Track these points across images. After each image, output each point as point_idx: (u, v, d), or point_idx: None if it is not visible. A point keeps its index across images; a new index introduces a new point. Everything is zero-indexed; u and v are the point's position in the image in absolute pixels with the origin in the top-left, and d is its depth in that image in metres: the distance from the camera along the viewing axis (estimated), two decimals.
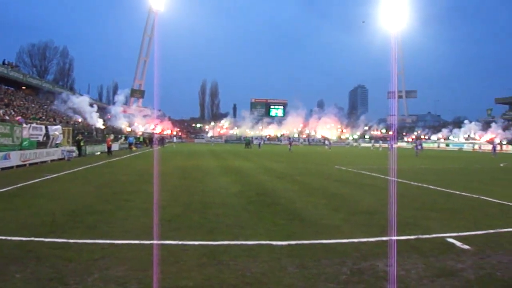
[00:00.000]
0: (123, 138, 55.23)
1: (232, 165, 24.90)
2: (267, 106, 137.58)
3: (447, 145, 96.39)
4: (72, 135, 35.08)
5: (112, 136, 44.05)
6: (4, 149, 20.90)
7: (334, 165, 27.14)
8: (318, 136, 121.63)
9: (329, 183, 16.03)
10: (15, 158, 21.25)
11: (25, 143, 24.47)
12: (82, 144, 33.08)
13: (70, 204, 10.23)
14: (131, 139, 49.69)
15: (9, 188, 13.05)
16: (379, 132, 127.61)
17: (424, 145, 74.65)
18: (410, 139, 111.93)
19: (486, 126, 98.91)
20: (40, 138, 28.56)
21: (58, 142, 29.97)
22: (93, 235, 6.96)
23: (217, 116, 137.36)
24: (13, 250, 6.15)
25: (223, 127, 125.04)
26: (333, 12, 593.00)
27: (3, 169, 19.53)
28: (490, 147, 69.76)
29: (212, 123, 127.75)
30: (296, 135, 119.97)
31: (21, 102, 50.14)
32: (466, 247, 6.69)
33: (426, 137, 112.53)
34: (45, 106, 56.72)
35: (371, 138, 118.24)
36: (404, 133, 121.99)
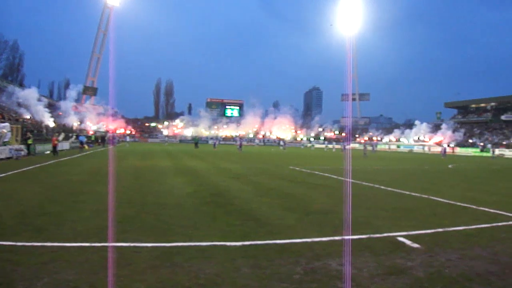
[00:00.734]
0: (74, 136, 53.76)
1: (187, 165, 24.66)
2: (223, 106, 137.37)
3: (398, 146, 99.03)
4: (21, 133, 33.81)
5: (62, 135, 42.75)
6: None
7: (288, 165, 27.32)
8: (274, 137, 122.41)
9: (284, 184, 16.10)
10: None
11: None
12: (30, 142, 31.89)
13: (18, 205, 9.79)
14: (83, 138, 48.32)
15: None
16: (333, 134, 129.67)
17: (370, 147, 76.46)
18: (362, 141, 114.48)
19: (435, 129, 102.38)
20: None
21: (6, 140, 28.82)
22: (42, 238, 6.68)
23: (171, 116, 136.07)
24: None
25: (178, 127, 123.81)
26: (290, 15, 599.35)
27: None
28: (439, 149, 72.42)
29: (167, 123, 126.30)
30: (251, 136, 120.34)
31: None
32: (416, 245, 6.86)
33: (379, 139, 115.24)
34: None
35: (325, 139, 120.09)
36: (357, 135, 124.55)
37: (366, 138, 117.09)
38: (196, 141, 67.25)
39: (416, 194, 13.51)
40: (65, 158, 29.01)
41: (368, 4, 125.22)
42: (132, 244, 6.46)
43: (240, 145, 58.53)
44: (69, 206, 9.82)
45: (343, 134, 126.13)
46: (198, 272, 5.26)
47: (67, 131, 60.22)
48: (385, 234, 7.59)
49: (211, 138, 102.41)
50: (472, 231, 8.21)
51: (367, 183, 16.47)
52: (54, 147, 33.47)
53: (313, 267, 5.61)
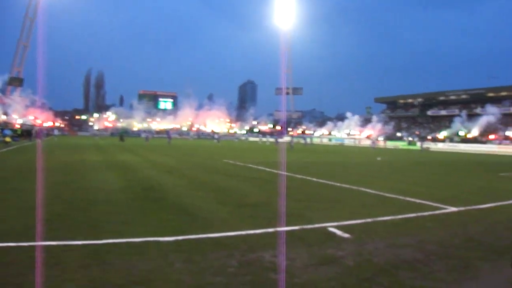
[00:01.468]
0: None
1: (118, 160, 23.98)
2: (155, 99, 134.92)
3: (330, 140, 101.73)
4: None
5: None
6: None
7: (223, 159, 27.29)
8: (208, 130, 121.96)
9: (218, 177, 16.05)
10: None
11: None
12: None
13: None
14: (8, 131, 45.76)
15: None
16: (267, 127, 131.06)
17: (308, 140, 78.11)
18: (296, 134, 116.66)
19: (365, 123, 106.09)
20: None
21: None
22: None
23: (102, 108, 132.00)
24: None
25: (109, 120, 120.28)
26: (225, 8, 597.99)
27: None
28: (369, 142, 75.19)
29: (97, 115, 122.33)
30: (185, 129, 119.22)
31: None
32: (346, 235, 7.03)
33: (312, 132, 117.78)
34: None
35: (259, 132, 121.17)
36: (290, 128, 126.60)
37: (300, 132, 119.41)
38: (122, 134, 65.74)
39: (347, 186, 13.90)
40: None
41: (302, 0, 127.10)
42: (61, 243, 6.15)
43: (169, 138, 57.73)
44: None
45: (277, 128, 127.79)
46: (130, 269, 5.10)
47: None
48: (317, 225, 7.72)
49: (144, 132, 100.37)
50: (399, 220, 8.55)
51: (300, 176, 16.74)
52: None
53: (247, 259, 5.61)
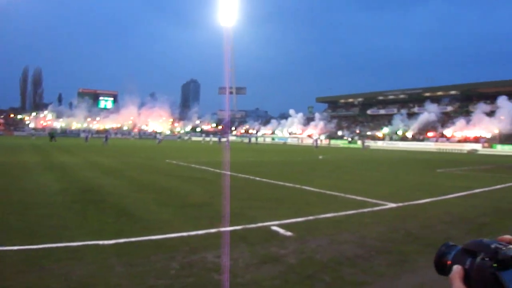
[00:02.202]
0: None
1: (56, 161, 23.06)
2: (95, 97, 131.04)
3: (273, 139, 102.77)
4: None
5: None
6: None
7: (165, 159, 26.90)
8: (150, 129, 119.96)
9: (160, 178, 15.78)
10: None
11: None
12: None
13: None
14: None
15: None
16: (210, 126, 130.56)
17: (253, 139, 78.62)
18: (239, 133, 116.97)
19: (308, 122, 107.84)
20: None
21: None
22: None
23: (40, 107, 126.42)
24: None
25: (47, 119, 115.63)
26: (167, 6, 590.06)
27: None
28: (311, 141, 76.61)
29: (34, 114, 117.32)
30: (126, 128, 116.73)
31: None
32: (288, 233, 7.08)
33: (255, 131, 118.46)
34: None
35: (202, 131, 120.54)
36: (234, 128, 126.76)
37: (243, 131, 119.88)
38: (52, 133, 63.52)
39: (290, 185, 14.03)
40: None
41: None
42: None
43: (106, 138, 56.24)
44: None
45: (220, 127, 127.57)
46: (68, 274, 4.89)
47: None
48: (260, 224, 7.74)
49: (83, 131, 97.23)
50: (341, 217, 8.71)
51: (243, 175, 16.76)
52: None
53: (190, 261, 5.52)
